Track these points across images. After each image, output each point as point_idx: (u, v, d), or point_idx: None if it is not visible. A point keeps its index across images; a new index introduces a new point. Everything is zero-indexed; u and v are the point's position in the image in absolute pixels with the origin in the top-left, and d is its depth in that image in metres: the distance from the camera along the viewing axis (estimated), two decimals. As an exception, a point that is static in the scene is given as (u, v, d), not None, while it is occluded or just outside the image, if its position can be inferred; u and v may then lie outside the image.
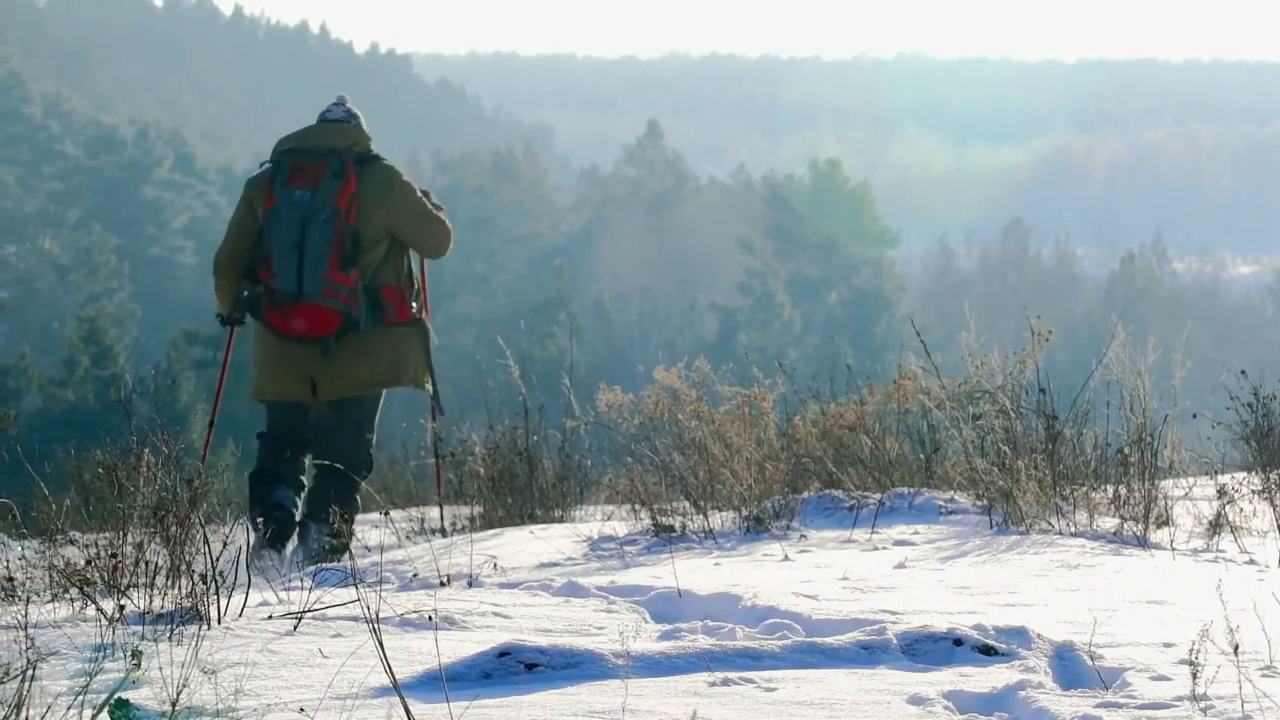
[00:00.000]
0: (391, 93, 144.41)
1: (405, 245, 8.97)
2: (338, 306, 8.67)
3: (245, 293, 8.79)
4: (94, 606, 5.43)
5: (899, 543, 7.63)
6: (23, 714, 3.99)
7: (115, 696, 4.08)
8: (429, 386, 9.06)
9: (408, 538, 9.42)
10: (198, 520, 5.55)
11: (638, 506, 8.54)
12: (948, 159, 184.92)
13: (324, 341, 8.70)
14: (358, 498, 8.88)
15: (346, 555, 8.10)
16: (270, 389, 8.91)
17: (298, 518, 8.75)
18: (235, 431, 12.27)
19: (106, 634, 5.16)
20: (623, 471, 9.19)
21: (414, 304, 8.97)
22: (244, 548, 6.53)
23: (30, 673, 4.09)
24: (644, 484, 8.41)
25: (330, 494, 8.52)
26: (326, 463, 8.73)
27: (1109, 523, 7.77)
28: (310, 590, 5.87)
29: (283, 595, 6.01)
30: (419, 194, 8.96)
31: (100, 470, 5.83)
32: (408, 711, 4.03)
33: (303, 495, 8.91)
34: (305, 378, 8.80)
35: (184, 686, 4.25)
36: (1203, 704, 4.33)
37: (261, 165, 8.95)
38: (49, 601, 5.62)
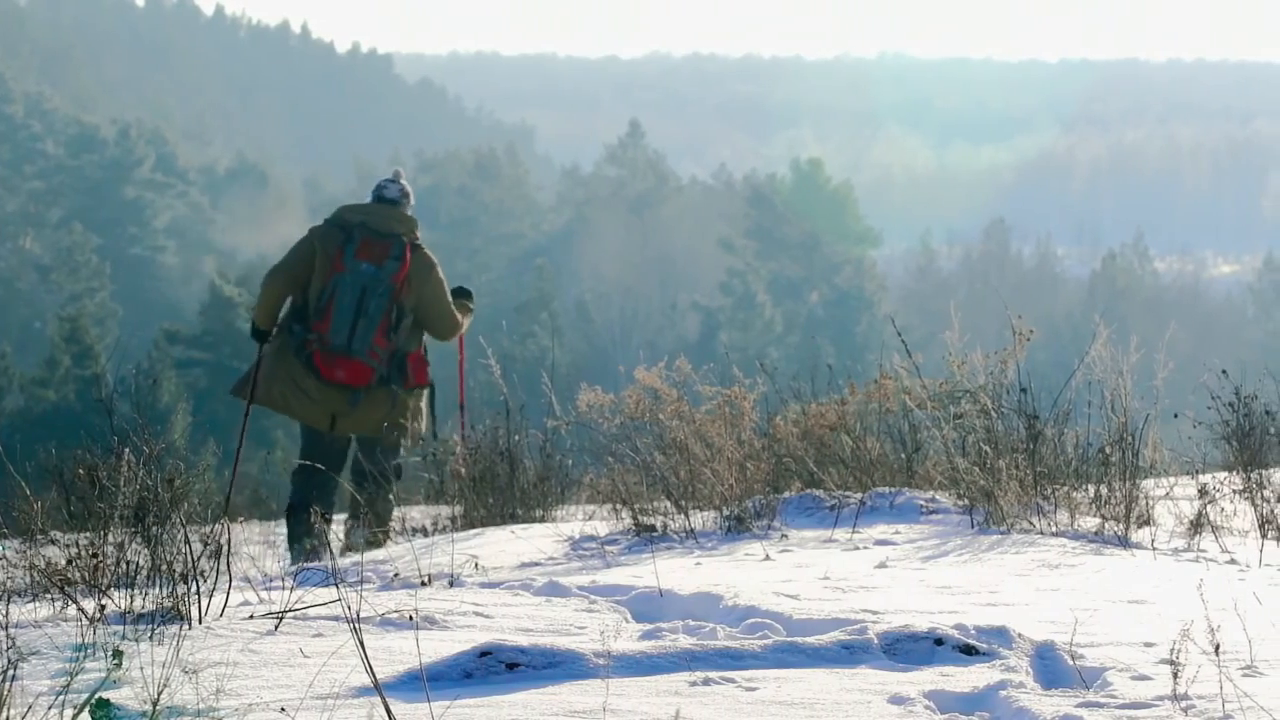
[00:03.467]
0: (373, 93, 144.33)
1: None
2: (373, 365, 10.22)
3: (292, 329, 10.27)
4: (75, 606, 5.42)
5: (880, 542, 7.63)
6: (3, 714, 3.99)
7: (96, 696, 4.08)
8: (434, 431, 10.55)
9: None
10: (179, 520, 5.54)
11: (619, 506, 8.54)
12: (930, 159, 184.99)
13: (355, 392, 10.24)
14: (390, 499, 10.16)
15: (329, 551, 8.27)
16: (296, 411, 10.39)
17: (329, 530, 9.88)
18: (216, 432, 12.35)
19: (87, 634, 5.16)
20: (604, 471, 9.19)
21: (428, 368, 10.49)
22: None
23: (11, 672, 4.08)
24: (625, 484, 8.42)
25: (365, 500, 9.90)
26: (365, 475, 10.08)
27: (1090, 522, 7.77)
28: (291, 590, 5.87)
29: (264, 595, 6.01)
30: (446, 287, 10.50)
31: (81, 470, 5.81)
32: (389, 711, 4.03)
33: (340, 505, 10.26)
34: (329, 414, 10.29)
35: (165, 686, 4.25)
36: (1183, 703, 4.34)
37: (326, 221, 10.39)
38: (30, 601, 5.61)
